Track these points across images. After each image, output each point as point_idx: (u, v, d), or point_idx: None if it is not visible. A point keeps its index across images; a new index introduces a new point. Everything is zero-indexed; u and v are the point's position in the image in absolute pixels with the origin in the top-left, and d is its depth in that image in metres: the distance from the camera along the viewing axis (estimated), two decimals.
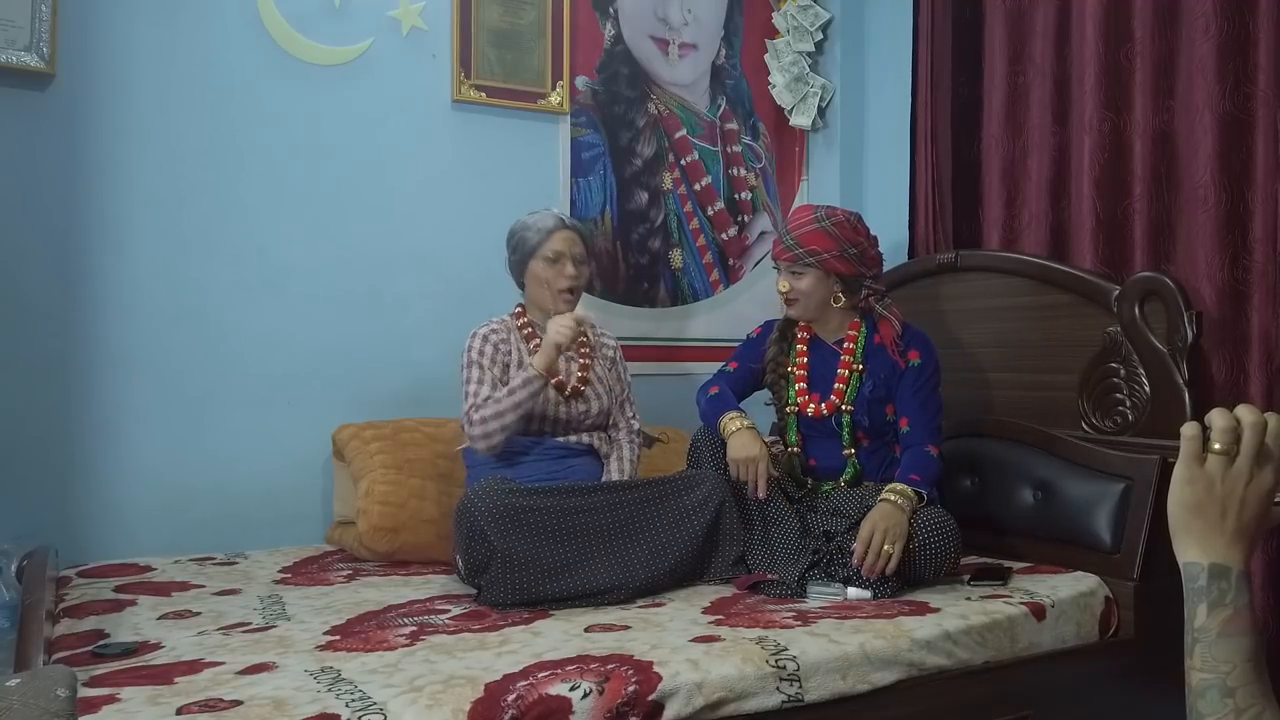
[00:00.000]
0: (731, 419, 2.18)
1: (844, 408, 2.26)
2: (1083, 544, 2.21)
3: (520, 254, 2.33)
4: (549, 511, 1.98)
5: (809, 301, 2.28)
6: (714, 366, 2.91)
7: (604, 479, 2.26)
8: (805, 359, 2.34)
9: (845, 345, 2.31)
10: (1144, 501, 2.13)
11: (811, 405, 2.29)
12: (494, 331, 2.30)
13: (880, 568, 1.97)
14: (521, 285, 2.38)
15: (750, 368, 2.39)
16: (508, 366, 2.26)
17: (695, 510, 2.09)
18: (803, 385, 2.32)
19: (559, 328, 2.13)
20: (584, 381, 2.30)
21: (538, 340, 2.28)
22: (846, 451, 2.28)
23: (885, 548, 1.96)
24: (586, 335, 2.39)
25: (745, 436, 2.14)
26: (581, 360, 2.34)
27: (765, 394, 2.41)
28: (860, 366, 2.28)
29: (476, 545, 1.94)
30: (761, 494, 2.11)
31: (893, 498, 2.05)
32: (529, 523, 1.95)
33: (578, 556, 1.96)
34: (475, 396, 2.19)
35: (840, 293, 2.28)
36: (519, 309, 2.38)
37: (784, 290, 2.29)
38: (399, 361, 2.63)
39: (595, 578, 1.95)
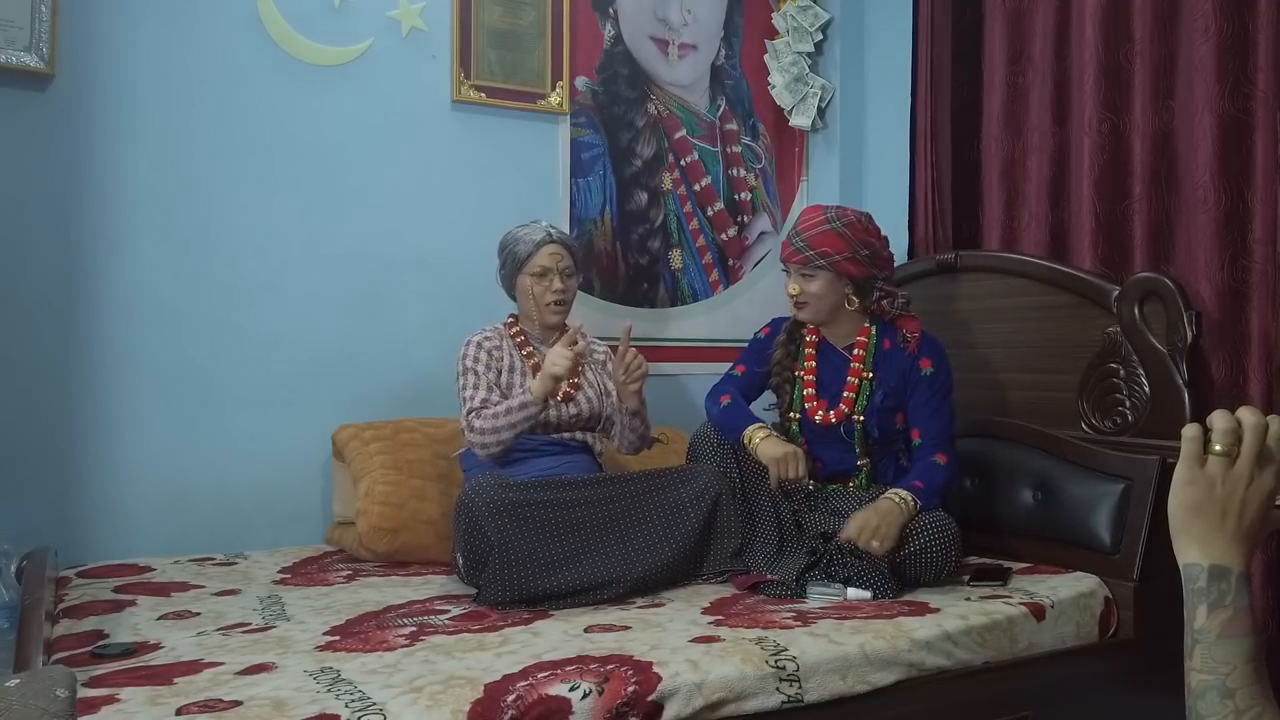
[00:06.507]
0: (757, 430, 2.18)
1: (855, 417, 2.23)
2: (1082, 544, 2.21)
3: (509, 268, 2.37)
4: (546, 505, 1.99)
5: (820, 305, 2.23)
6: (713, 367, 2.91)
7: (605, 467, 2.29)
8: (813, 363, 2.30)
9: (855, 352, 2.26)
10: (1144, 502, 2.13)
11: (820, 412, 2.25)
12: (488, 339, 2.34)
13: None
14: (513, 296, 2.41)
15: (757, 371, 2.36)
16: (501, 373, 2.30)
17: (692, 503, 2.10)
18: (810, 391, 2.28)
19: (557, 360, 2.14)
20: (575, 386, 2.33)
21: (530, 348, 2.34)
22: (861, 462, 2.26)
23: (874, 543, 1.97)
24: (576, 342, 2.41)
25: (775, 440, 2.15)
26: None
27: (768, 397, 2.39)
28: (870, 375, 2.24)
29: (475, 541, 1.95)
30: (801, 473, 2.10)
31: (895, 499, 2.05)
32: (527, 517, 1.96)
33: (575, 550, 1.97)
34: (472, 401, 2.22)
35: (852, 295, 2.24)
36: (511, 318, 2.42)
37: (794, 294, 2.23)
38: (399, 362, 2.63)
39: (593, 571, 1.95)
